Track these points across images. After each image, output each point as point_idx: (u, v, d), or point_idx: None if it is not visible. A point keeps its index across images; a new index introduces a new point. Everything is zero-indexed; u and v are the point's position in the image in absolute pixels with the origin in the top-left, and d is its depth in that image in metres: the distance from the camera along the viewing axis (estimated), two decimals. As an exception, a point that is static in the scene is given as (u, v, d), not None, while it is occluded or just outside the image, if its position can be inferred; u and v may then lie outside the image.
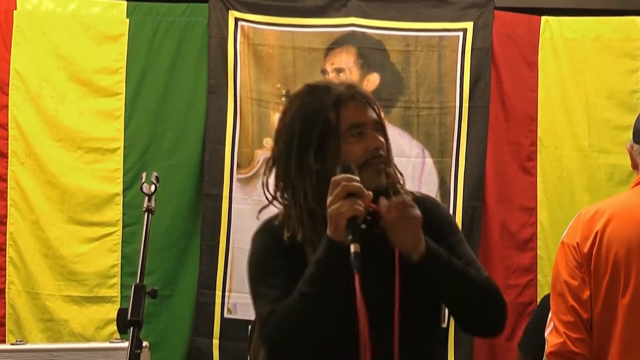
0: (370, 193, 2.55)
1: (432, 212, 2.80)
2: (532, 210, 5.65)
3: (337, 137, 2.67)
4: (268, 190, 2.79)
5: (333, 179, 2.55)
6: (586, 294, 3.22)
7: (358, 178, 2.55)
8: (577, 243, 3.20)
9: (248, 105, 5.64)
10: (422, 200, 2.80)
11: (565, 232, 3.32)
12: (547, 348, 3.26)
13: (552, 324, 3.27)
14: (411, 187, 2.89)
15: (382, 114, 2.79)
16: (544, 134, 5.69)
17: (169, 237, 5.56)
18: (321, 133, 2.68)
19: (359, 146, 2.67)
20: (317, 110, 2.70)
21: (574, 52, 5.70)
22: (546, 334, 3.29)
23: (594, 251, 3.21)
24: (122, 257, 5.54)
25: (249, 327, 4.06)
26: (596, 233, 3.22)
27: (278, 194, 2.78)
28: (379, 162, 2.67)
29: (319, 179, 2.66)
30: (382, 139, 2.70)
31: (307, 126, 2.70)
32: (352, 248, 2.46)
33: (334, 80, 2.83)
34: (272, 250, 2.71)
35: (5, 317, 5.46)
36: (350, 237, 2.48)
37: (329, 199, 2.54)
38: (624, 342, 3.18)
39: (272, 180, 2.79)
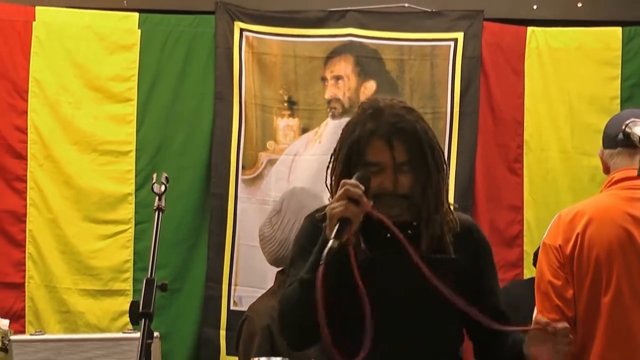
0: (370, 202, 2.61)
1: (483, 248, 2.94)
2: (519, 209, 5.66)
3: (359, 167, 2.72)
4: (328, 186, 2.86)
5: (342, 181, 2.63)
6: (569, 293, 3.21)
7: (363, 187, 2.61)
8: (560, 245, 3.19)
9: (252, 111, 5.65)
10: (471, 227, 2.91)
11: (546, 233, 3.31)
12: None
13: None
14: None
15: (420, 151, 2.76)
16: (530, 138, 5.69)
17: (179, 234, 5.57)
18: (354, 159, 2.75)
19: (375, 181, 2.70)
20: (353, 136, 2.76)
21: (558, 60, 5.71)
22: None
23: (575, 252, 3.20)
24: (135, 253, 5.55)
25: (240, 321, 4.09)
26: (577, 235, 3.21)
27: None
28: (388, 200, 2.70)
29: None
30: (401, 178, 2.72)
31: (346, 147, 2.77)
32: (330, 243, 2.52)
33: (387, 102, 2.81)
34: (310, 237, 2.74)
35: (25, 309, 5.47)
36: (333, 234, 2.54)
37: (332, 201, 2.62)
38: (607, 338, 3.18)
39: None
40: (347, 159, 2.75)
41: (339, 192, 2.59)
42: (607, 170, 3.37)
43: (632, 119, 3.04)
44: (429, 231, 2.77)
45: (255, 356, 3.93)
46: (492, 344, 2.87)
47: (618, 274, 3.17)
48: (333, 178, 2.81)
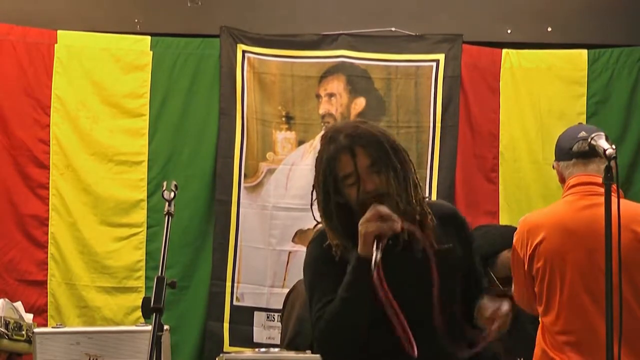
0: (398, 219, 2.56)
1: (467, 230, 2.86)
2: (495, 214, 5.66)
3: (341, 184, 2.65)
4: (315, 217, 2.77)
5: (373, 205, 2.57)
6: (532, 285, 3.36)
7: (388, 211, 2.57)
8: (519, 249, 3.34)
9: (253, 125, 5.65)
10: (454, 213, 2.86)
11: (514, 239, 3.39)
12: None
13: None
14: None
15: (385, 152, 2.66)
16: (504, 149, 5.70)
17: (187, 236, 5.56)
18: (329, 181, 2.67)
19: (353, 190, 2.63)
20: (324, 160, 2.68)
21: (530, 79, 5.72)
22: None
23: (534, 258, 3.29)
24: (146, 254, 5.54)
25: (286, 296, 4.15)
26: (534, 244, 3.31)
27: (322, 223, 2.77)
28: (375, 200, 2.60)
29: (340, 219, 2.67)
30: (378, 179, 2.63)
31: (320, 175, 2.70)
32: (376, 256, 2.51)
33: (340, 125, 2.75)
34: (323, 260, 2.71)
35: (47, 305, 5.46)
36: (375, 248, 2.52)
37: (362, 219, 2.57)
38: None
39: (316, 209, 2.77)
40: (324, 184, 2.67)
41: (370, 212, 2.54)
42: (562, 180, 3.46)
43: (597, 133, 3.06)
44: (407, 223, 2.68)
45: (296, 321, 3.99)
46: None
47: (571, 276, 3.25)
48: (318, 207, 2.74)
